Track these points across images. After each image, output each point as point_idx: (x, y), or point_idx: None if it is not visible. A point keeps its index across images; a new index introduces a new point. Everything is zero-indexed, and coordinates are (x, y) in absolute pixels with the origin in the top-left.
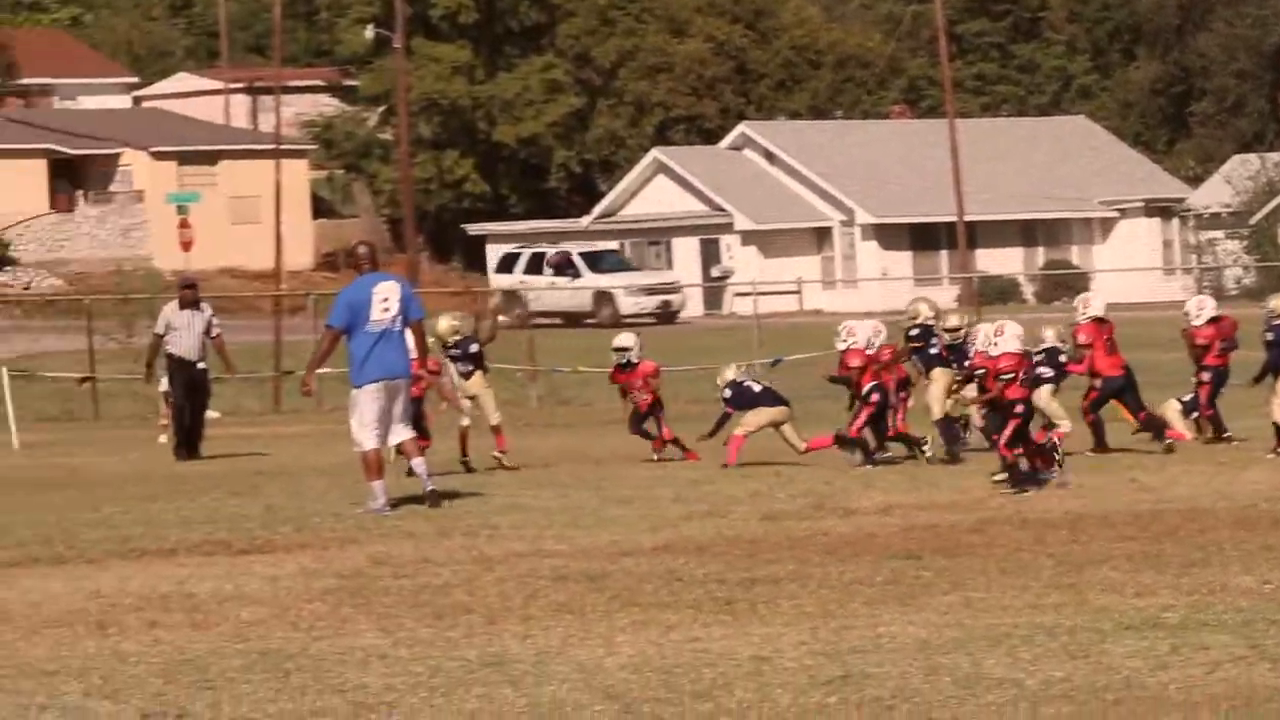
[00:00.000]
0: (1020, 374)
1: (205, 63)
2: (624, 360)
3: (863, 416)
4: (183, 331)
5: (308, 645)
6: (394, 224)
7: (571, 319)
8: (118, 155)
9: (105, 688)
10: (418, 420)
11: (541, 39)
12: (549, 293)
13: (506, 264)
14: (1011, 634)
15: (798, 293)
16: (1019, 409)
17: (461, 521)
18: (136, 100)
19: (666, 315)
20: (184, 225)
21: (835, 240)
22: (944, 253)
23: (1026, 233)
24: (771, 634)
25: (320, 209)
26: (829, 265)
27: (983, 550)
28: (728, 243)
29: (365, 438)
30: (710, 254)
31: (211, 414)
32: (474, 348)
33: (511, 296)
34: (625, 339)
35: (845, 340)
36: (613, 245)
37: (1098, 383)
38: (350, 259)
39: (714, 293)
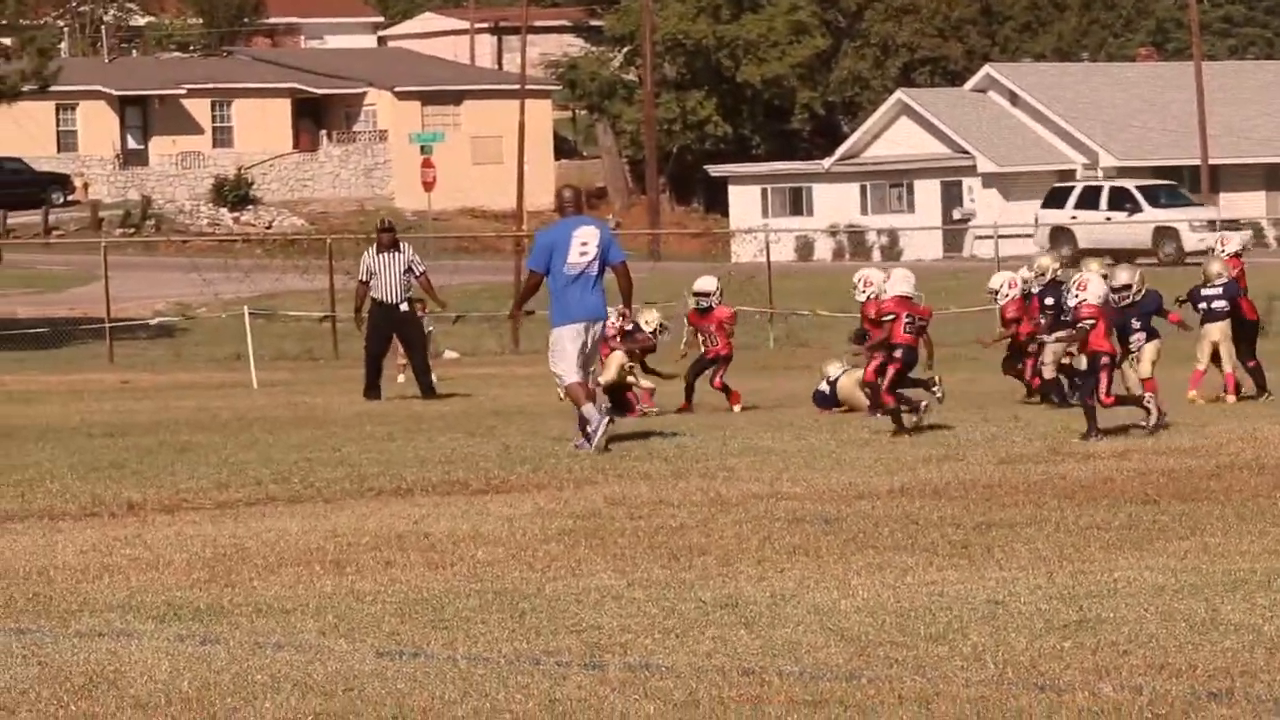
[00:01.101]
0: (905, 318)
1: (450, 2)
2: (704, 305)
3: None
4: (382, 274)
5: (543, 585)
6: (635, 165)
7: (1125, 256)
8: (362, 95)
9: (341, 626)
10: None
11: None
12: (1102, 228)
13: (1057, 198)
14: (1249, 579)
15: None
16: (898, 353)
17: (698, 463)
18: (381, 40)
19: None
20: (427, 165)
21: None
22: None
23: (1270, 176)
24: (1007, 578)
25: (562, 149)
26: None
27: (1220, 496)
28: (969, 185)
29: (566, 371)
30: (951, 196)
31: (450, 354)
32: (636, 332)
33: (1060, 233)
34: (706, 283)
35: (863, 292)
36: (1170, 181)
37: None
38: (556, 201)
39: (954, 236)
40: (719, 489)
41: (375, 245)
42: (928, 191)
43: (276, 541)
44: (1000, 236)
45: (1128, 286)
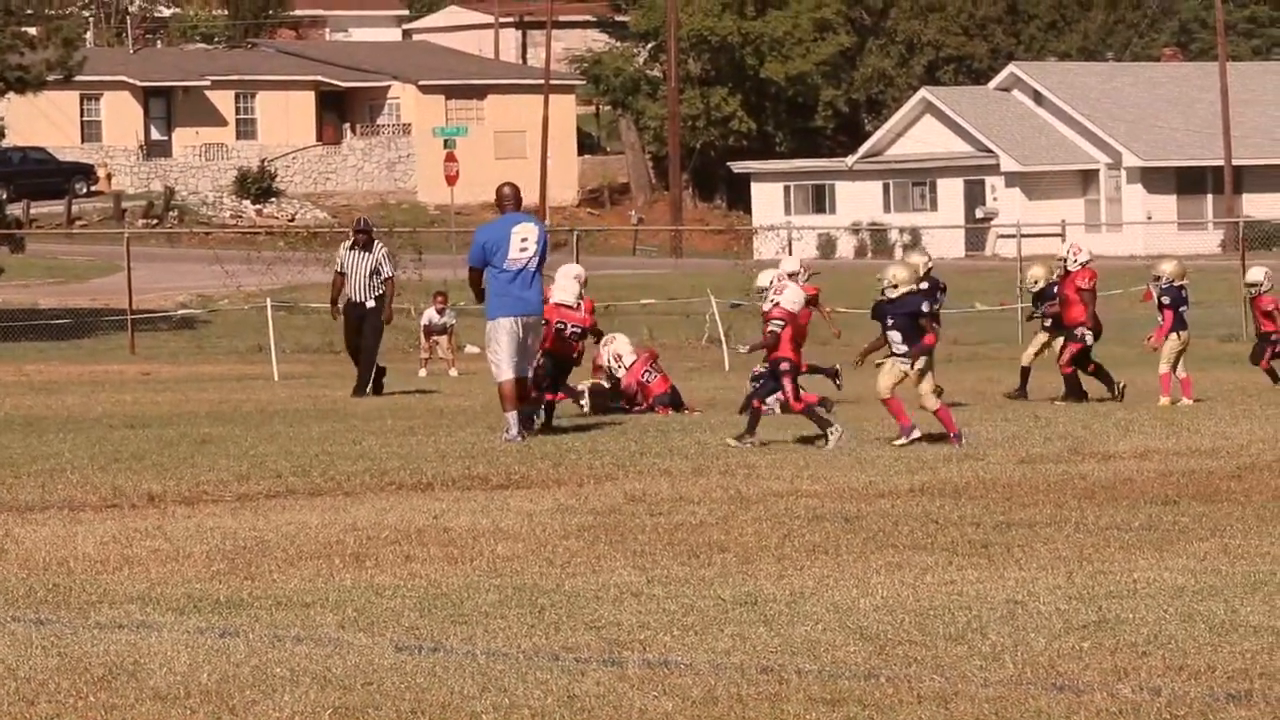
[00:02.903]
0: (556, 324)
1: None
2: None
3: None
4: (351, 273)
5: (562, 581)
6: (658, 161)
7: None
8: (386, 88)
9: (360, 620)
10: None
11: None
12: None
13: None
14: (1269, 581)
15: (1062, 235)
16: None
17: (718, 460)
18: (406, 33)
19: None
20: (450, 159)
21: (1101, 183)
22: (1209, 197)
23: None
24: (1026, 578)
25: (585, 145)
26: (1093, 208)
27: (1241, 497)
28: (992, 184)
29: (502, 370)
30: (974, 195)
31: (471, 348)
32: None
33: None
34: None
35: (1075, 261)
36: None
37: (1087, 336)
38: (496, 198)
39: (976, 234)
40: (739, 486)
41: (351, 241)
42: (951, 190)
43: (296, 535)
44: (1023, 235)
45: (894, 286)
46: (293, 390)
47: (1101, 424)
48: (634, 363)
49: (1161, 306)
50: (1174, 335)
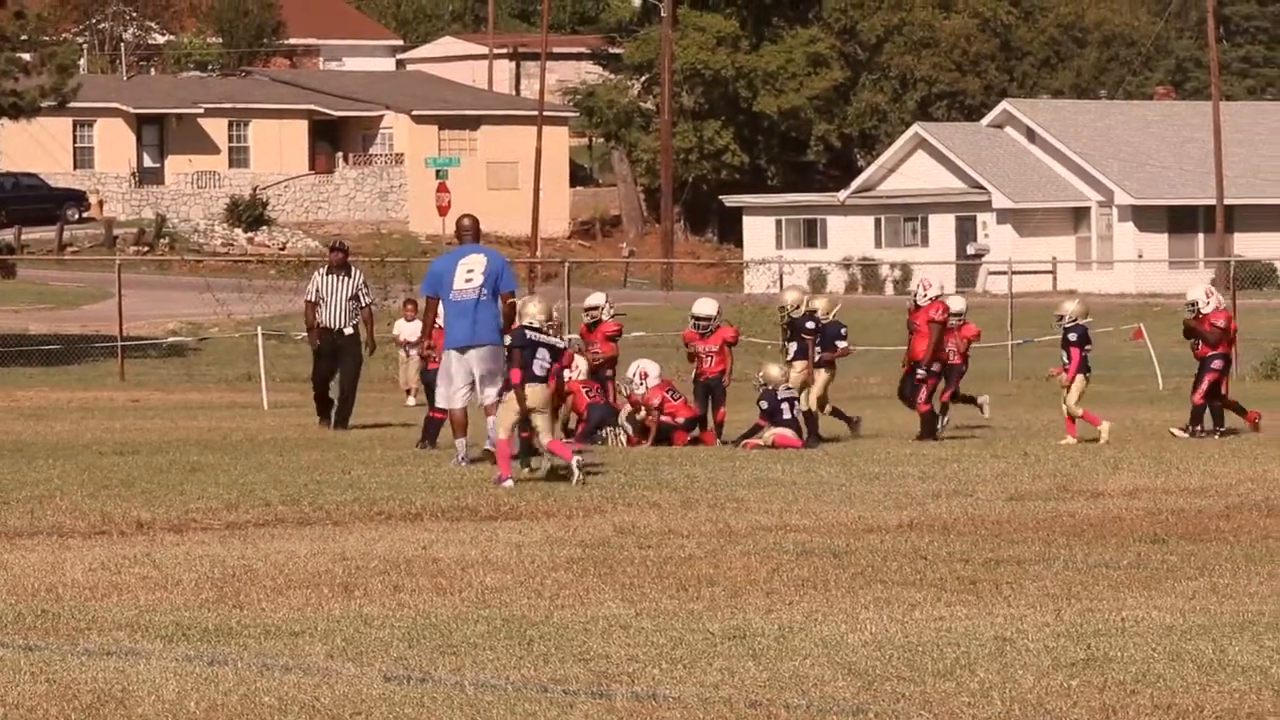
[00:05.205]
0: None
1: (470, 27)
2: (591, 320)
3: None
4: (328, 298)
5: (551, 613)
6: (650, 193)
7: None
8: (379, 118)
9: (349, 650)
10: None
11: (808, 11)
12: None
13: None
14: (1257, 621)
15: (1052, 273)
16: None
17: (707, 494)
18: (400, 63)
19: None
20: (442, 189)
21: (1092, 220)
22: (1201, 236)
23: None
24: (1015, 615)
25: (577, 177)
26: (1085, 246)
27: (1230, 536)
28: (984, 220)
29: (447, 399)
30: (966, 232)
31: None
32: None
33: None
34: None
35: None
36: None
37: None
38: (455, 229)
39: (968, 271)
40: (728, 520)
41: (326, 266)
42: (942, 226)
43: (285, 563)
44: (1015, 272)
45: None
46: (282, 419)
47: (1090, 462)
48: (655, 386)
49: (1068, 345)
50: (1080, 376)
